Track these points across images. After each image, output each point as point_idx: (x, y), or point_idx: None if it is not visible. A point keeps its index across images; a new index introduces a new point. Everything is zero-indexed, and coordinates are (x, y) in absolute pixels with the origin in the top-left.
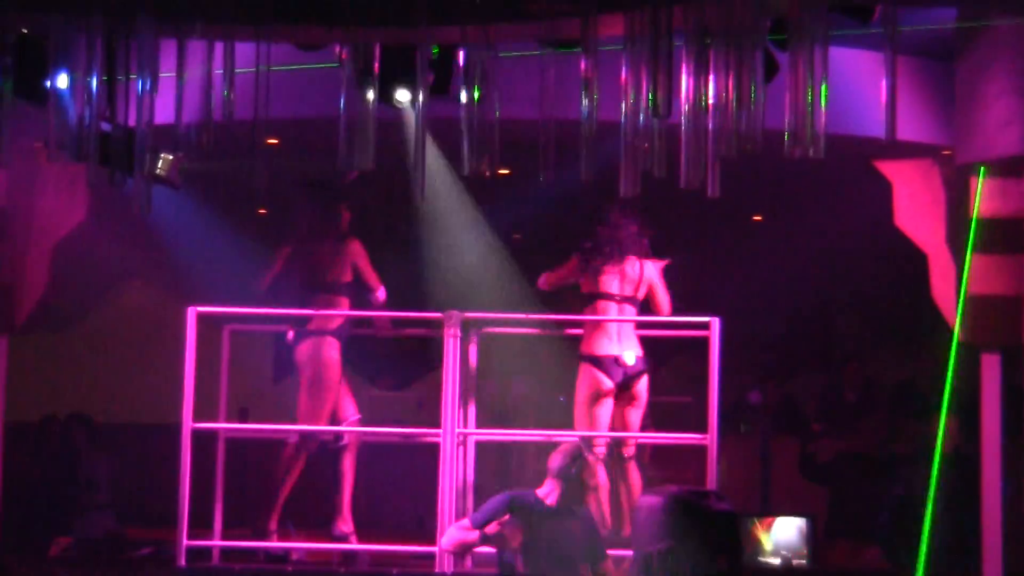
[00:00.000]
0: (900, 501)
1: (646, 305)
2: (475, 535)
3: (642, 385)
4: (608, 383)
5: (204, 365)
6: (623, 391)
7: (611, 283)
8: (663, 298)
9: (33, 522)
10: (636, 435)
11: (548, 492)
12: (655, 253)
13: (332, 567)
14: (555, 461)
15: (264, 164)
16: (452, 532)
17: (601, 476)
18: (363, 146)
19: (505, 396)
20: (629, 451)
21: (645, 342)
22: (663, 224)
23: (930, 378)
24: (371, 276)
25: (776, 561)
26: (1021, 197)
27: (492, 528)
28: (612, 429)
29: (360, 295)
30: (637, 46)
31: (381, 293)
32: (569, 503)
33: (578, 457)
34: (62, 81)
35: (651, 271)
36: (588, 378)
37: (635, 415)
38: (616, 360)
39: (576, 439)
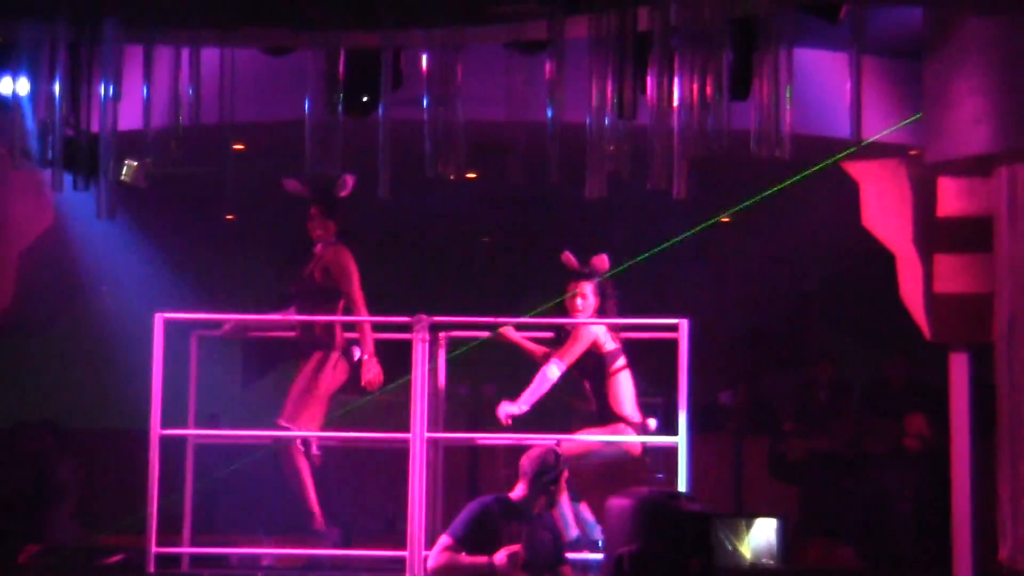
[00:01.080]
0: (872, 500)
1: None
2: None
3: None
4: None
5: (174, 371)
6: None
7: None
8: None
9: (2, 529)
10: (608, 437)
11: (520, 496)
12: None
13: (301, 572)
14: (527, 464)
15: (231, 169)
16: (439, 555)
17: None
18: (330, 150)
19: (476, 399)
20: None
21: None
22: (631, 225)
23: (900, 377)
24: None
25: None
26: (988, 196)
27: (501, 559)
28: None
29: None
30: (603, 48)
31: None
32: (541, 506)
33: (554, 460)
34: (24, 87)
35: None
36: None
37: None
38: None
39: (547, 442)
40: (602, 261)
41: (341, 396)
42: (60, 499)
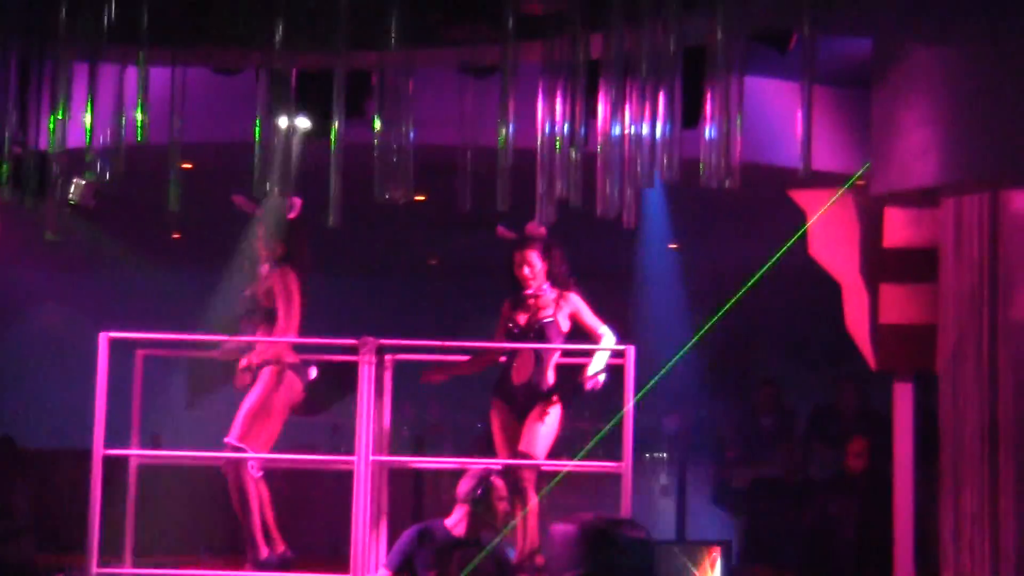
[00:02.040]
0: (815, 526)
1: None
2: None
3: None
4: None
5: (117, 390)
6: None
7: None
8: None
9: None
10: (550, 463)
11: (457, 521)
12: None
13: None
14: (463, 486)
15: (179, 189)
16: None
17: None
18: (281, 171)
19: (421, 422)
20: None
21: (561, 369)
22: (579, 250)
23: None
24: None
25: None
26: (934, 227)
27: None
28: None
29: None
30: (555, 73)
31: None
32: (477, 531)
33: (485, 481)
34: None
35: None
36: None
37: None
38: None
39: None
40: (536, 227)
41: (292, 418)
42: (9, 518)
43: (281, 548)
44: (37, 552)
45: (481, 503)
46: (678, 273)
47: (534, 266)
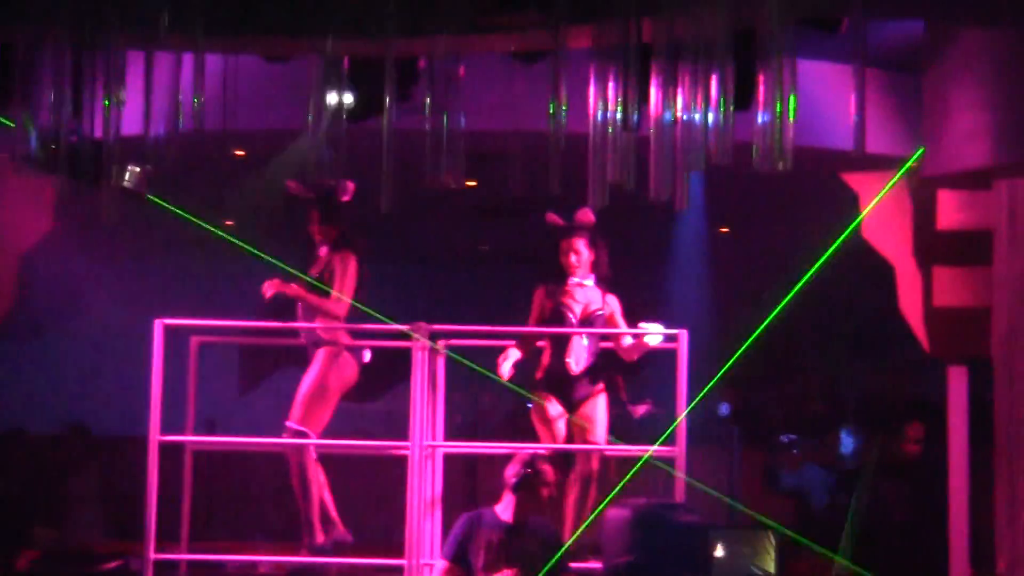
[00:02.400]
0: (867, 512)
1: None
2: None
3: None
4: None
5: (172, 377)
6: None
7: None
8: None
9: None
10: (604, 447)
11: (505, 506)
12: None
13: None
14: (509, 471)
15: (232, 175)
16: None
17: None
18: (332, 157)
19: (474, 407)
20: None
21: (611, 355)
22: (630, 236)
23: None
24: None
25: None
26: (987, 209)
27: None
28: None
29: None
30: (606, 58)
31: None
32: (524, 516)
33: (530, 466)
34: (29, 93)
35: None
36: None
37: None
38: None
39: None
40: (586, 214)
41: (344, 402)
42: (84, 505)
43: (341, 531)
44: (102, 538)
45: (525, 488)
46: (714, 258)
47: (581, 254)
